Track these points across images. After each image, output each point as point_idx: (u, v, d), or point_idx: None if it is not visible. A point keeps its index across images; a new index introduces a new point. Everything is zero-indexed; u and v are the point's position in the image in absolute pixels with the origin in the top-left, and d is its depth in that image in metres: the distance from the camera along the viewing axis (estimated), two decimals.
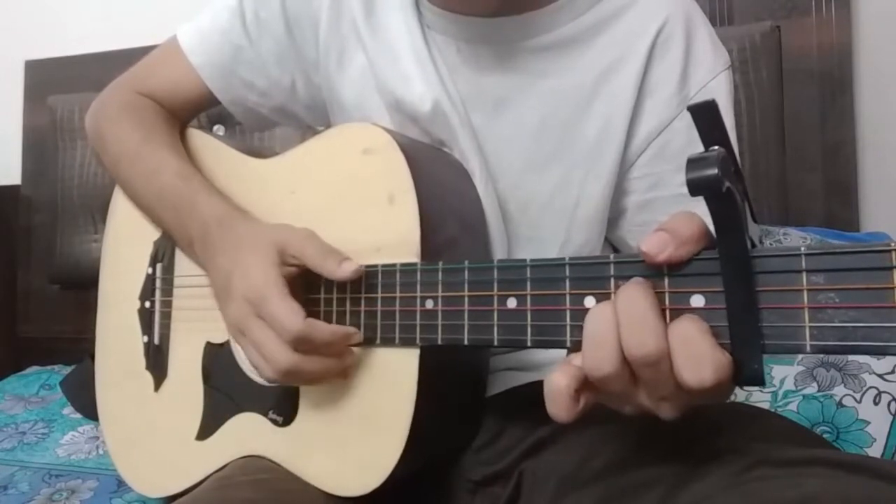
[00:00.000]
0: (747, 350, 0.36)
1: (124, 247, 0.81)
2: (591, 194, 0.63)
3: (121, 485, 0.95)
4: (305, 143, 0.65)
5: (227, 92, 0.75)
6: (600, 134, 0.62)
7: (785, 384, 0.86)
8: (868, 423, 0.79)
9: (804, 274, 0.35)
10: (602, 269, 0.42)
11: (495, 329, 0.47)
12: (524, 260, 0.46)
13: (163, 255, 0.76)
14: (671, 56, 0.61)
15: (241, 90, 0.74)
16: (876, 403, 0.80)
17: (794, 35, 1.12)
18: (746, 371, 0.36)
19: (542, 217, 0.64)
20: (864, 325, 0.33)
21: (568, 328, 0.43)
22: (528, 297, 0.45)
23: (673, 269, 0.39)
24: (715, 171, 0.33)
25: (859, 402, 0.81)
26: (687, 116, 0.62)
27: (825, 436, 0.77)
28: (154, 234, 0.76)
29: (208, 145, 0.76)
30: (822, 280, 0.35)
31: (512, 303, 0.46)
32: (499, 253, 0.63)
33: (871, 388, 0.81)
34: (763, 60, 1.10)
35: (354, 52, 0.68)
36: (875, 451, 0.77)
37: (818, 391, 0.83)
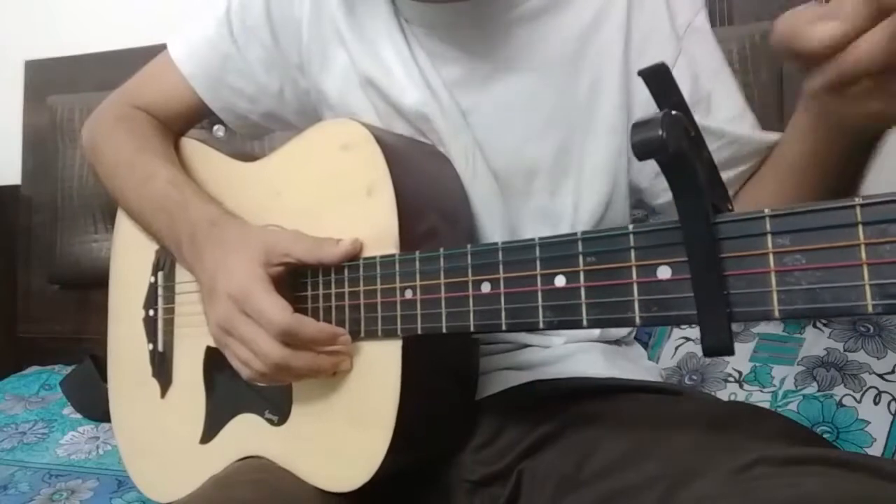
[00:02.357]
0: (714, 319, 0.35)
1: (129, 257, 0.82)
2: (593, 153, 0.63)
3: (121, 485, 0.95)
4: (289, 144, 0.66)
5: (217, 99, 0.76)
6: (592, 92, 0.62)
7: (785, 384, 0.86)
8: (868, 422, 0.79)
9: (769, 236, 0.34)
10: (570, 247, 0.42)
11: (471, 315, 0.47)
12: (496, 243, 0.46)
13: (164, 263, 0.77)
14: (650, 2, 0.62)
15: (230, 97, 0.76)
16: (876, 403, 0.80)
17: None
18: (713, 340, 0.35)
19: (549, 184, 0.64)
20: (833, 285, 0.32)
21: (540, 309, 0.43)
22: (501, 281, 0.46)
23: (639, 240, 0.39)
24: (658, 132, 0.32)
25: (859, 401, 0.81)
26: (689, 54, 0.61)
27: (825, 436, 0.78)
28: (156, 243, 0.77)
29: (199, 152, 0.77)
30: (787, 241, 0.34)
31: (486, 287, 0.46)
32: (500, 234, 0.64)
33: (871, 387, 0.81)
34: (763, 60, 1.10)
35: (337, 51, 0.69)
36: (875, 451, 0.77)
37: (818, 391, 0.83)
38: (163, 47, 0.79)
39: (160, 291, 0.77)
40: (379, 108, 0.67)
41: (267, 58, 0.73)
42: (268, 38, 0.72)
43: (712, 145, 0.59)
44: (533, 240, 0.44)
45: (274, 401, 0.63)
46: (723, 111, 0.61)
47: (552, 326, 0.43)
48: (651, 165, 0.62)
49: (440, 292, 0.49)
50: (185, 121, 0.79)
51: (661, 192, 0.66)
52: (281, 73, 0.73)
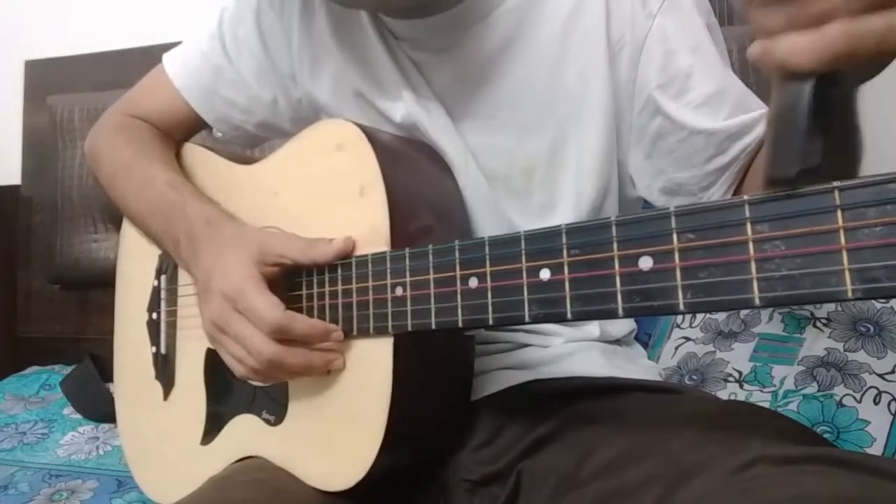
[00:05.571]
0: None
1: (134, 261, 0.83)
2: (588, 141, 0.62)
3: (121, 485, 0.95)
4: (286, 145, 0.67)
5: (212, 111, 0.77)
6: (581, 81, 0.61)
7: (785, 384, 0.86)
8: (868, 422, 0.79)
9: (748, 224, 0.34)
10: (555, 239, 0.42)
11: (459, 310, 0.48)
12: (483, 238, 0.47)
13: (166, 267, 0.78)
14: None
15: (224, 109, 0.77)
16: (876, 403, 0.80)
17: None
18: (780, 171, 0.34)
19: (549, 177, 0.64)
20: (812, 270, 0.32)
21: (526, 302, 0.44)
22: (488, 275, 0.46)
23: (621, 231, 0.39)
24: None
25: (859, 401, 0.81)
26: (661, 30, 0.59)
27: (825, 436, 0.77)
28: (157, 246, 0.77)
29: (199, 156, 0.78)
30: (766, 228, 0.34)
31: (473, 282, 0.47)
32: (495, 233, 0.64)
33: (871, 387, 0.81)
34: None
35: (327, 61, 0.70)
36: (875, 451, 0.76)
37: (818, 391, 0.83)
38: (162, 48, 0.80)
39: (163, 294, 0.78)
40: (371, 118, 0.68)
41: (258, 68, 0.74)
42: (258, 49, 0.73)
43: (674, 136, 0.59)
44: (518, 233, 0.45)
45: (271, 401, 0.64)
46: (698, 90, 0.58)
47: (538, 320, 0.43)
48: (643, 147, 0.62)
49: (429, 288, 0.50)
50: (183, 132, 0.81)
51: (643, 179, 0.64)
52: (273, 82, 0.74)
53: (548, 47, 0.61)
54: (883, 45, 0.30)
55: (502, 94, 0.63)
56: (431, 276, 0.50)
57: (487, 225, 0.65)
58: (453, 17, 0.62)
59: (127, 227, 0.84)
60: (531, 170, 0.64)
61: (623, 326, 0.73)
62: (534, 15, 0.62)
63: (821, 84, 0.32)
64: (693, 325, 1.00)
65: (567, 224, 0.42)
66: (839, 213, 0.32)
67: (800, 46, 0.31)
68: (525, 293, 0.44)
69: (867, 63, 0.31)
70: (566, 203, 0.64)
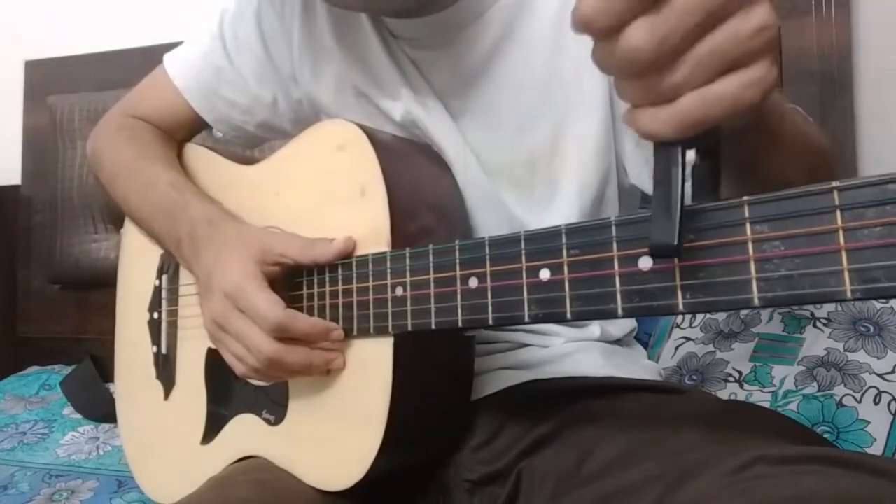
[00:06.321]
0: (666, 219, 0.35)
1: (135, 261, 0.83)
2: (588, 128, 0.62)
3: (121, 485, 0.95)
4: (288, 145, 0.67)
5: (212, 112, 0.77)
6: (576, 70, 0.61)
7: (785, 384, 0.86)
8: (868, 422, 0.79)
9: (748, 224, 0.34)
10: (555, 239, 0.42)
11: (459, 310, 0.48)
12: (483, 238, 0.47)
13: (168, 266, 0.78)
14: None
15: (224, 109, 0.77)
16: (876, 403, 0.80)
17: (794, 35, 1.12)
18: (660, 237, 0.34)
19: (551, 168, 0.64)
20: (811, 271, 0.32)
21: (525, 302, 0.44)
22: (488, 275, 0.46)
23: (621, 231, 0.39)
24: None
25: (859, 401, 0.80)
26: None
27: (825, 436, 0.77)
28: (159, 246, 0.77)
29: (201, 156, 0.78)
30: (766, 228, 0.34)
31: (473, 282, 0.47)
32: (506, 232, 0.64)
33: (871, 387, 0.81)
34: None
35: (327, 62, 0.70)
36: (875, 451, 0.76)
37: (818, 391, 0.83)
38: (162, 48, 0.80)
39: (164, 294, 0.78)
40: (372, 117, 0.68)
41: (259, 69, 0.74)
42: (259, 49, 0.73)
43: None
44: (518, 233, 0.45)
45: (271, 401, 0.64)
46: None
47: (537, 320, 0.43)
48: (631, 136, 0.62)
49: (429, 288, 0.50)
50: (185, 132, 0.81)
51: (635, 167, 0.64)
52: (273, 83, 0.74)
53: (542, 39, 0.62)
54: (738, 104, 0.31)
55: (500, 89, 0.63)
56: (431, 276, 0.50)
57: (489, 220, 0.65)
58: (450, 16, 0.63)
59: (129, 226, 0.84)
60: (533, 162, 0.64)
61: (623, 326, 0.73)
62: (527, 8, 0.62)
63: (692, 145, 0.33)
64: (693, 325, 1.00)
65: (567, 224, 0.42)
66: (838, 214, 0.32)
67: (659, 119, 0.32)
68: (525, 293, 0.44)
69: (731, 119, 0.32)
70: (569, 192, 0.64)
